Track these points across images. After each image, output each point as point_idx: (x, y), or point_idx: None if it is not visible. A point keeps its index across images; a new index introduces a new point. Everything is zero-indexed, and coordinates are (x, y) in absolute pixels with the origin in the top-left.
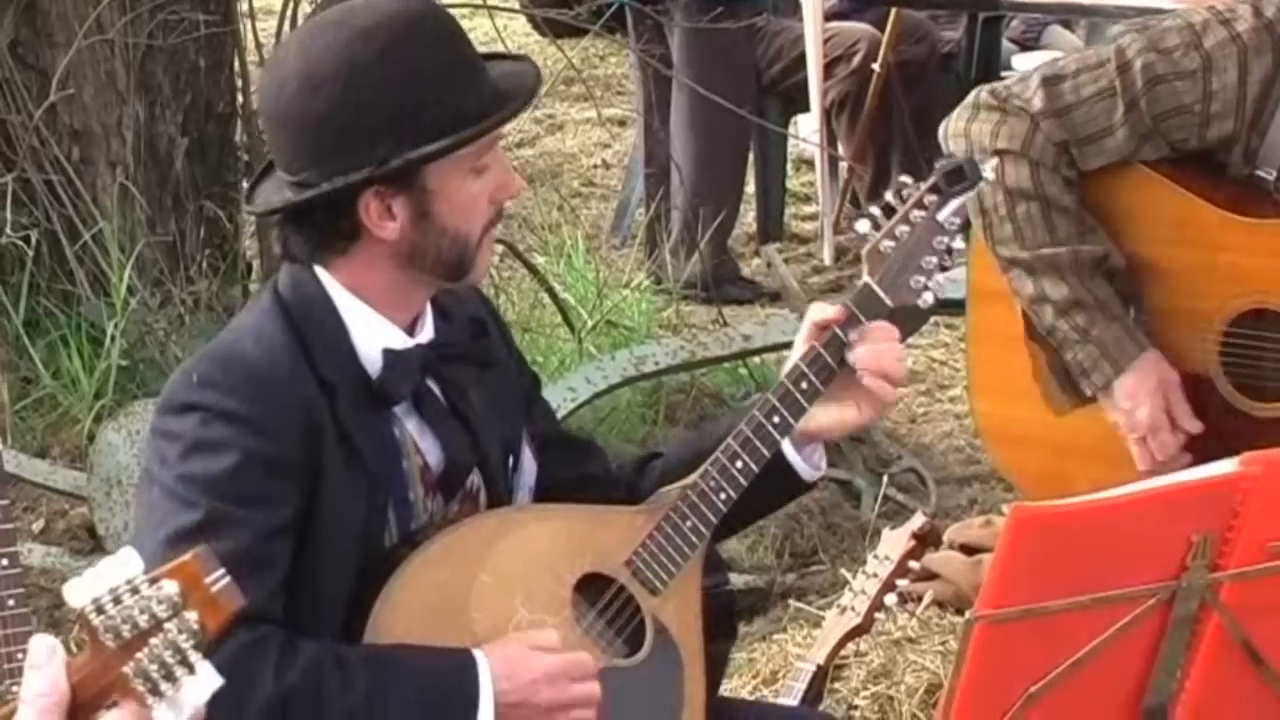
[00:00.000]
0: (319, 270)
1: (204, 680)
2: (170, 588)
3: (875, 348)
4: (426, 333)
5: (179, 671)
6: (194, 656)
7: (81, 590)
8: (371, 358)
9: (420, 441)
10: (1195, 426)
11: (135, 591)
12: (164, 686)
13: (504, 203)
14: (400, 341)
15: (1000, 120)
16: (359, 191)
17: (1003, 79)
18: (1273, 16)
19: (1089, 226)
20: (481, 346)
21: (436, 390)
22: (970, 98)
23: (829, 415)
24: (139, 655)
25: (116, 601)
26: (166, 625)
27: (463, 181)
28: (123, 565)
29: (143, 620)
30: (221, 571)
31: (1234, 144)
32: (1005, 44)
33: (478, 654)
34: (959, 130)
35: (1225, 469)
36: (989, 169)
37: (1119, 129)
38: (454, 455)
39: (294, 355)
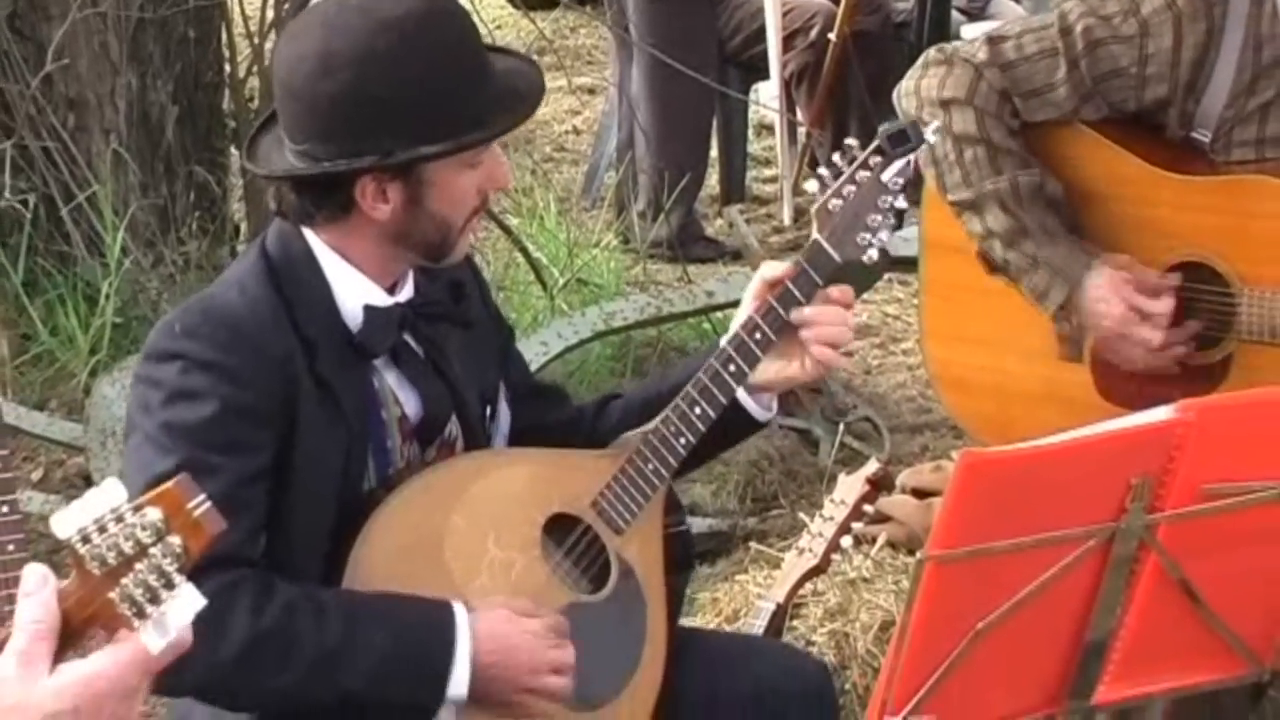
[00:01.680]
0: (306, 230)
1: (188, 600)
2: (153, 514)
3: (822, 315)
4: (406, 291)
5: (164, 594)
6: (178, 578)
7: (68, 521)
8: (353, 313)
9: (399, 393)
10: (1162, 308)
11: (120, 520)
12: (149, 609)
13: (490, 192)
14: (381, 299)
15: (947, 72)
16: (358, 174)
17: None
18: None
19: (1030, 164)
20: (460, 308)
21: (415, 345)
22: (920, 59)
23: (776, 369)
24: (124, 581)
25: (102, 530)
26: (151, 550)
27: (458, 175)
28: (107, 495)
29: (127, 546)
30: (203, 497)
31: (1169, 106)
32: (955, 14)
33: (458, 607)
34: (910, 89)
35: (1162, 415)
36: (930, 132)
37: (1061, 86)
38: (432, 407)
39: (275, 309)
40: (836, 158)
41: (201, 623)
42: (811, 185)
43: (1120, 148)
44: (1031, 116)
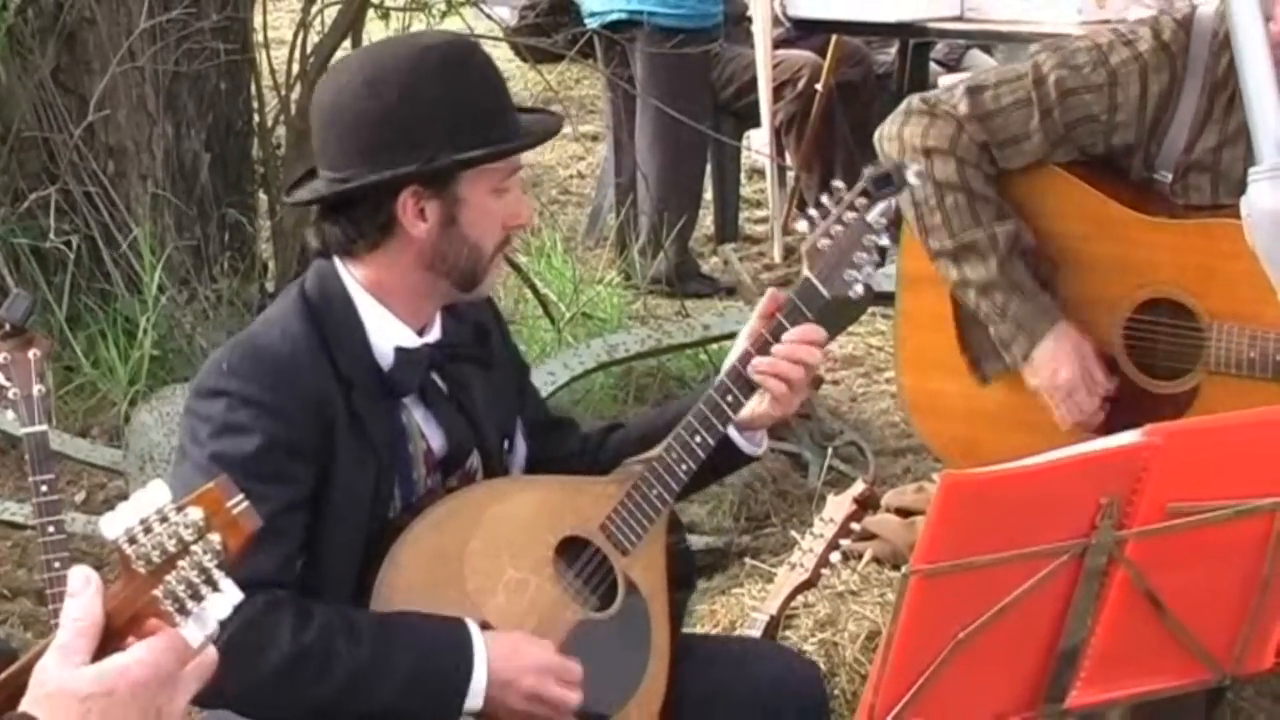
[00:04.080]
0: (343, 271)
1: (228, 596)
2: (195, 513)
3: (795, 352)
4: (434, 333)
5: (204, 590)
6: (218, 575)
7: (115, 522)
8: (384, 353)
9: (425, 428)
10: (1109, 384)
11: (164, 519)
12: (191, 605)
13: (514, 230)
14: (410, 341)
15: (930, 123)
16: (400, 188)
17: None
18: (1168, 39)
19: (1006, 212)
20: (484, 349)
21: (441, 384)
22: (902, 105)
23: (754, 405)
24: (168, 578)
25: (147, 530)
26: (193, 548)
27: (486, 198)
28: (152, 496)
29: (171, 544)
30: (241, 496)
31: (1135, 151)
32: (932, 66)
33: (472, 626)
34: (892, 134)
35: (1130, 439)
36: (912, 174)
37: (1035, 134)
38: (455, 441)
39: (314, 348)
40: (825, 199)
41: (243, 640)
42: (802, 225)
43: (1093, 189)
44: (1008, 164)
